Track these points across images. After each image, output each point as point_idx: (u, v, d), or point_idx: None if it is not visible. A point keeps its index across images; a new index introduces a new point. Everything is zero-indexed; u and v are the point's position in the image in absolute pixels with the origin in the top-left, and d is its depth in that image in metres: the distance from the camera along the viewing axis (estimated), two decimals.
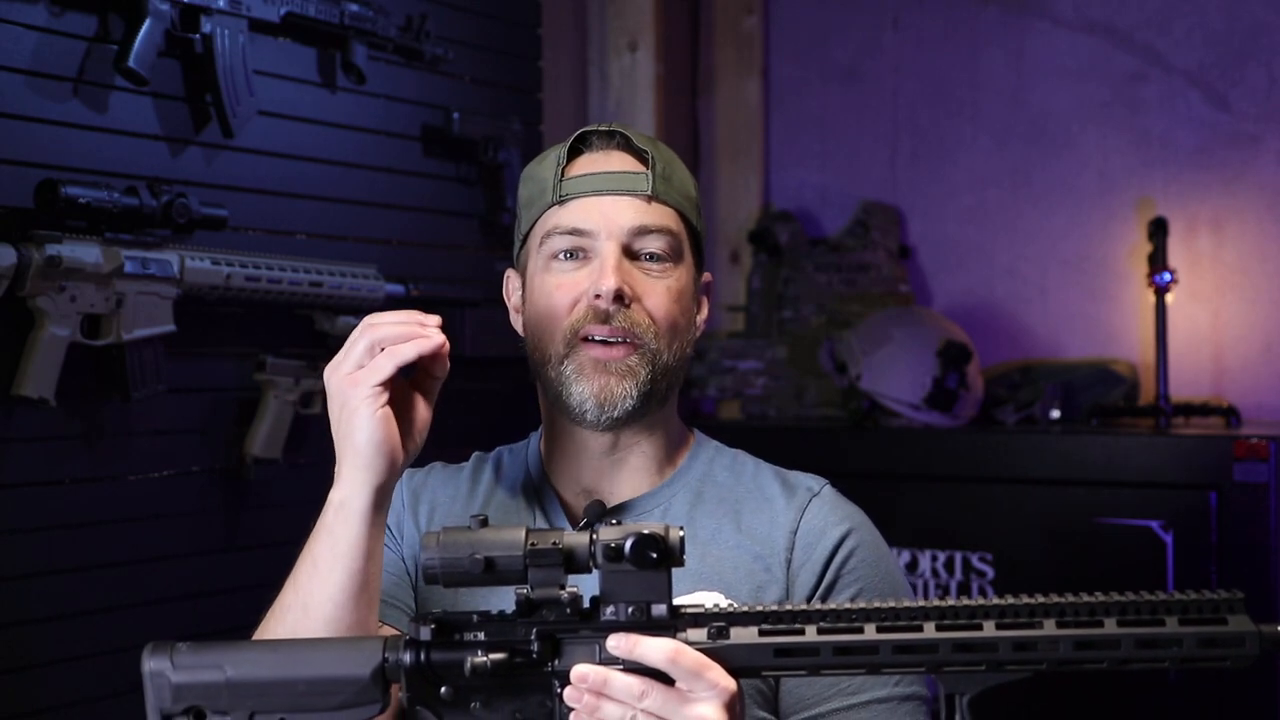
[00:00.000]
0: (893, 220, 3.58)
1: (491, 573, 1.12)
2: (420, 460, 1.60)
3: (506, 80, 2.99)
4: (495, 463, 1.57)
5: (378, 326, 1.32)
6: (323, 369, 2.50)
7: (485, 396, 2.90)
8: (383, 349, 1.31)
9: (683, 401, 3.64)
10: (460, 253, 2.87)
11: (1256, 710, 2.72)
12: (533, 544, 1.12)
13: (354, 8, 2.52)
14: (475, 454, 1.59)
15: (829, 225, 3.71)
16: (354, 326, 2.50)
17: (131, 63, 2.14)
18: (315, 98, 2.54)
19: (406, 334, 1.31)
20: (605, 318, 1.41)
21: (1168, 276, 3.10)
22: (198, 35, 2.26)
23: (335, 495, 1.32)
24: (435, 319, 1.32)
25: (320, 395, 2.49)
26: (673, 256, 1.45)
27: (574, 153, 1.48)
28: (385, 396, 1.30)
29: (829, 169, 3.74)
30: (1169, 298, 3.12)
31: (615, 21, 3.44)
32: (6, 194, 2.03)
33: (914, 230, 3.64)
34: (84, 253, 2.05)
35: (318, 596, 1.30)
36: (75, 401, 2.13)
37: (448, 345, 1.32)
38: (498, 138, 2.86)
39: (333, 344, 2.54)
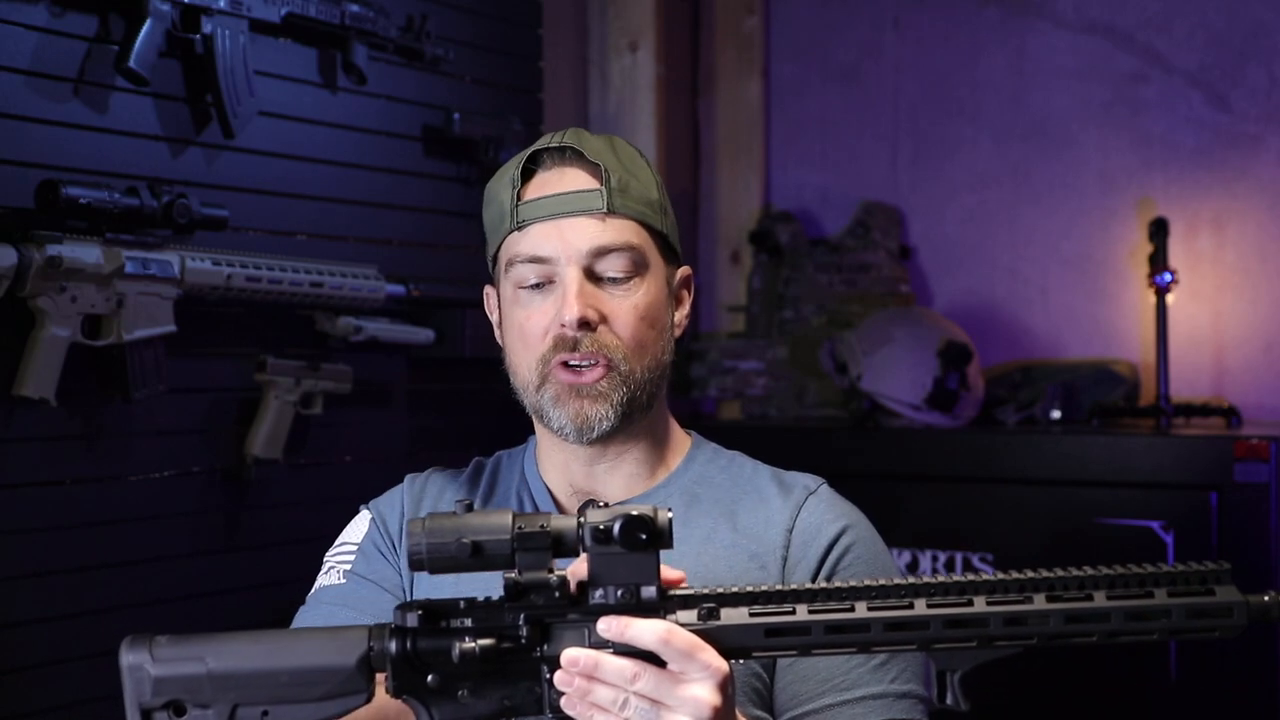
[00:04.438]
0: (893, 220, 3.58)
1: (479, 557, 1.11)
2: (421, 465, 1.61)
3: (506, 80, 2.99)
4: (494, 467, 1.58)
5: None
6: (323, 369, 2.52)
7: (486, 397, 2.90)
8: None
9: (683, 402, 3.65)
10: (460, 253, 2.87)
11: (1257, 705, 2.72)
12: (520, 527, 1.11)
13: (354, 8, 2.51)
14: (475, 459, 1.60)
15: (829, 225, 3.71)
16: (354, 327, 2.54)
17: (132, 63, 2.14)
18: (316, 98, 2.54)
19: None
20: (574, 345, 1.41)
21: (1168, 277, 3.10)
22: (198, 35, 2.26)
23: None
24: None
25: (319, 395, 2.49)
26: (637, 271, 1.44)
27: (528, 173, 1.47)
28: None
29: (829, 169, 3.74)
30: (1169, 298, 3.12)
31: (615, 21, 3.44)
32: (7, 194, 2.03)
33: (914, 230, 3.64)
34: (85, 253, 2.05)
35: None
36: (75, 401, 2.13)
37: None
38: (498, 138, 2.86)
39: (333, 344, 2.54)
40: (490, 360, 2.75)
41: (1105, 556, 2.80)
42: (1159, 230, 3.12)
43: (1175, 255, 3.15)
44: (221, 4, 2.28)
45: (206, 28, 2.26)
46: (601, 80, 3.45)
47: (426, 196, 2.80)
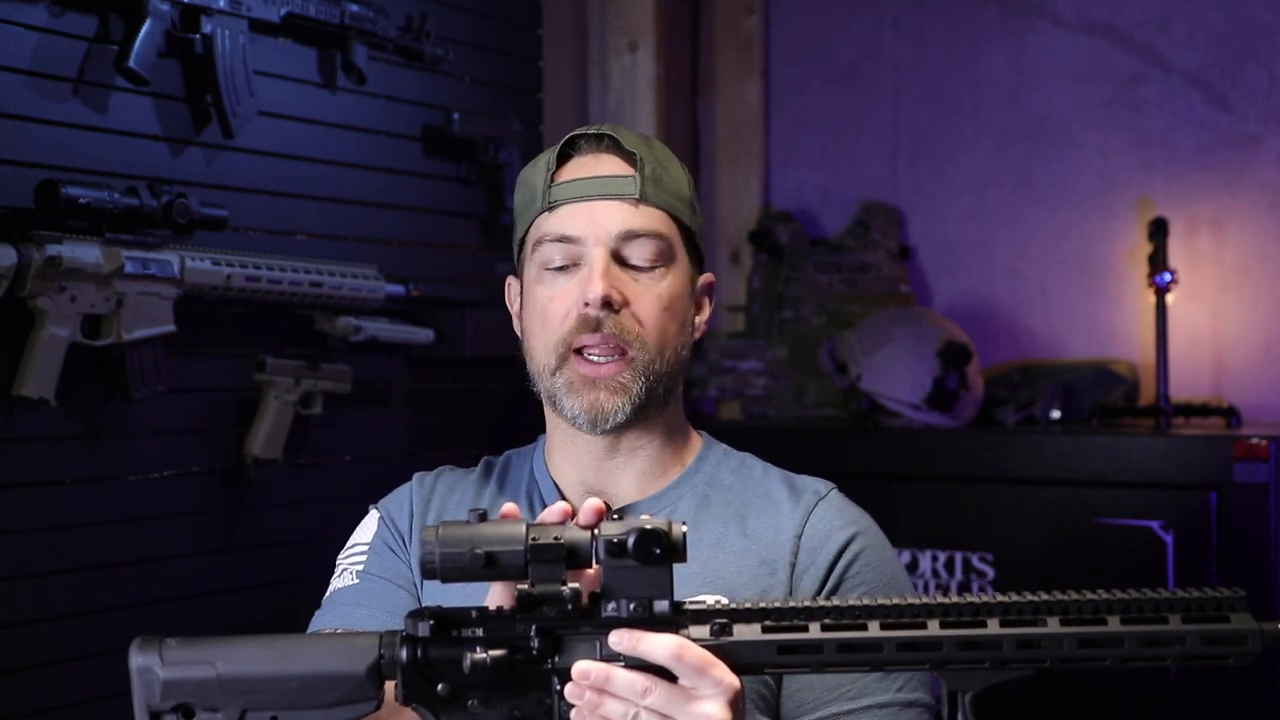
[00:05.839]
0: (893, 220, 3.58)
1: (493, 568, 1.10)
2: (421, 465, 1.61)
3: (506, 80, 2.99)
4: (502, 466, 1.57)
5: None
6: (322, 369, 2.52)
7: (485, 397, 2.90)
8: None
9: (684, 402, 3.64)
10: (460, 253, 2.87)
11: (1257, 710, 2.72)
12: (534, 539, 1.11)
13: (354, 8, 2.51)
14: (484, 458, 1.59)
15: (829, 225, 3.71)
16: (354, 327, 2.55)
17: (132, 63, 2.14)
18: (315, 98, 2.54)
19: None
20: (595, 325, 1.40)
21: (1168, 276, 3.10)
22: (198, 35, 2.26)
23: None
24: None
25: (319, 395, 2.49)
26: (663, 260, 1.45)
27: (564, 157, 1.48)
28: None
29: (829, 169, 3.74)
30: (1169, 298, 3.12)
31: (615, 21, 3.43)
32: (6, 194, 2.03)
33: (914, 230, 3.64)
34: (84, 253, 2.05)
35: None
36: (75, 401, 2.12)
37: None
38: (498, 138, 2.86)
39: (333, 344, 2.54)
40: (490, 360, 2.78)
41: (1105, 556, 2.83)
42: (1159, 230, 3.12)
43: (1175, 255, 3.15)
44: (221, 4, 2.28)
45: (206, 28, 2.26)
46: (601, 80, 3.45)
47: (426, 196, 2.80)
